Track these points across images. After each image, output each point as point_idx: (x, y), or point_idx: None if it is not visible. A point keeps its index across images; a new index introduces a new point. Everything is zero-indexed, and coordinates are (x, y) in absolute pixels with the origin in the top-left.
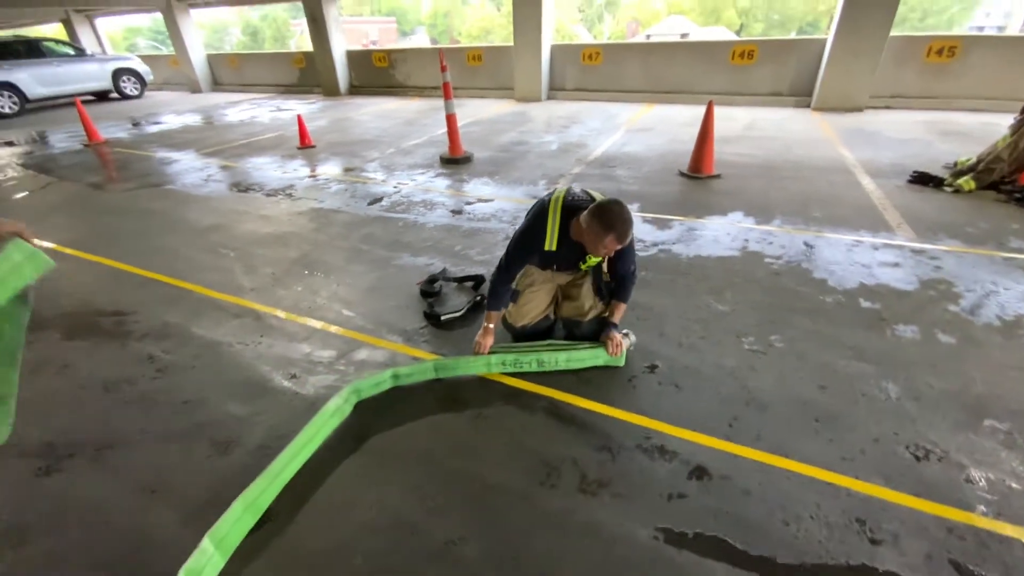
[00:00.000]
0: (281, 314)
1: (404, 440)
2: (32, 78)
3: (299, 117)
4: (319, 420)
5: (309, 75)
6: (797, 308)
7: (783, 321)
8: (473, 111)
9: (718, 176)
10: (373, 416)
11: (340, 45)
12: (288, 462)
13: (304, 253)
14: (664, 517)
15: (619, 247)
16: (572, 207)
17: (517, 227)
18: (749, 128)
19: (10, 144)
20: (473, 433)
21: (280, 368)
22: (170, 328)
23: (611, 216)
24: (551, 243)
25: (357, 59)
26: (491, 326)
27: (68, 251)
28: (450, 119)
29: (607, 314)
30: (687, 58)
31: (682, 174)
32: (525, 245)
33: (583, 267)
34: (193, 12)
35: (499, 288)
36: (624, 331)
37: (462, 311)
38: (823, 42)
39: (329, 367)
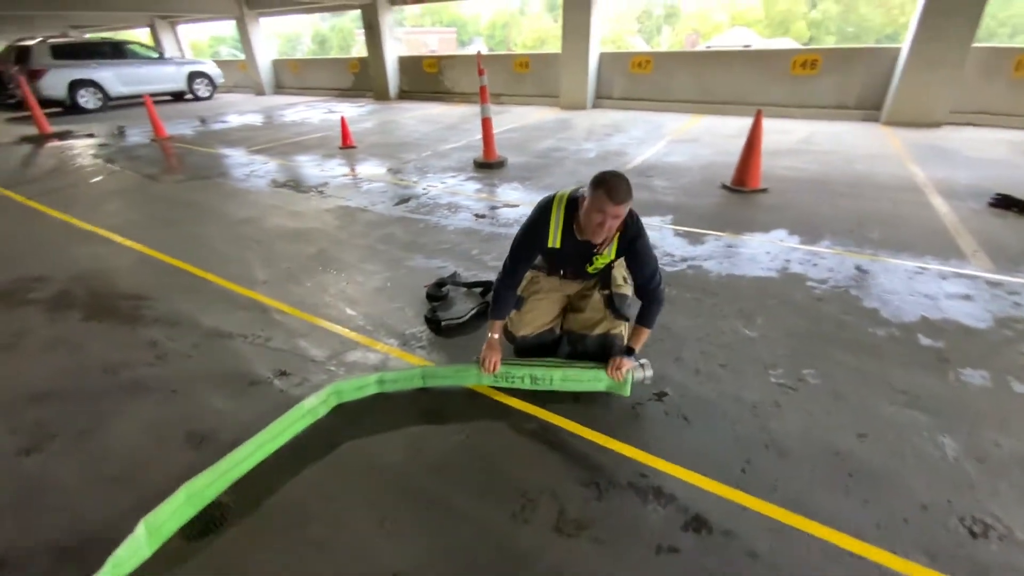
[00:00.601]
0: (286, 309)
1: (378, 451)
2: (115, 77)
3: (342, 119)
4: (289, 418)
5: (363, 80)
6: (839, 340)
7: (821, 354)
8: (515, 118)
9: (764, 190)
10: (351, 422)
11: (393, 51)
12: (244, 458)
13: (322, 249)
14: (648, 574)
15: (616, 212)
16: (576, 202)
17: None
18: (805, 141)
19: (91, 136)
20: (451, 451)
21: (272, 364)
22: (180, 316)
23: (602, 176)
24: (555, 240)
25: (408, 65)
26: (495, 337)
27: (110, 235)
28: (486, 123)
29: (625, 337)
30: (743, 68)
31: (725, 187)
32: (527, 242)
33: (590, 269)
34: (263, 20)
35: (502, 293)
36: (640, 360)
37: (464, 318)
38: (896, 51)
39: (320, 366)
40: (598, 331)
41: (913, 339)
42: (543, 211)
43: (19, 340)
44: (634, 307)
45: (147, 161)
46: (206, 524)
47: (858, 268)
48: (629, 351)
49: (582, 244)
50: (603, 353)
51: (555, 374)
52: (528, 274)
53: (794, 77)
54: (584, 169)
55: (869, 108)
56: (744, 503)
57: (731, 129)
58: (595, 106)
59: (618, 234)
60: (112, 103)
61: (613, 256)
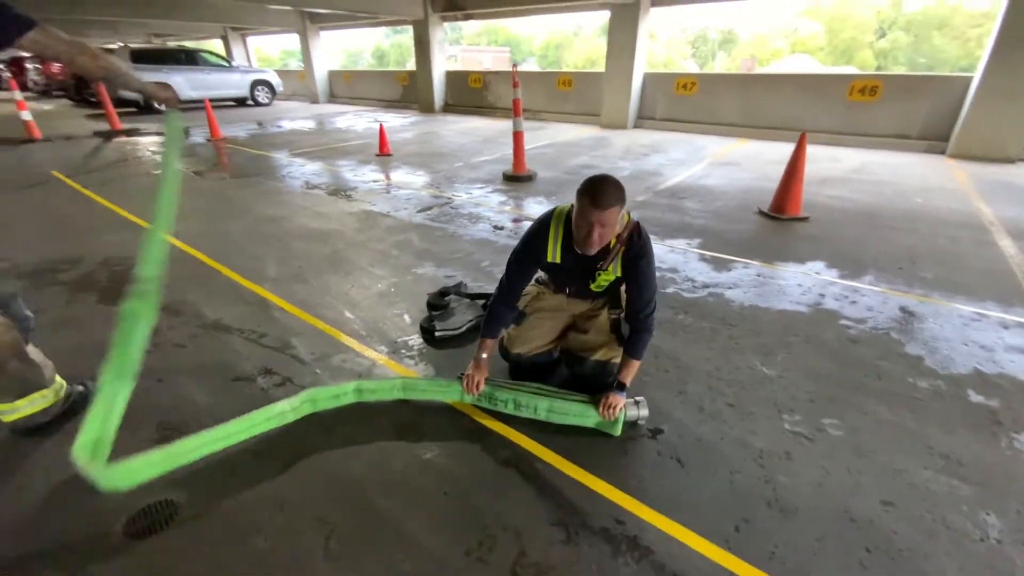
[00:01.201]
0: (287, 307)
1: (342, 463)
2: (186, 82)
3: (381, 127)
4: (255, 418)
5: (411, 92)
6: (872, 389)
7: (847, 402)
8: (552, 134)
9: (804, 219)
10: (325, 429)
11: (440, 66)
12: (194, 447)
13: (336, 251)
14: None
15: (602, 219)
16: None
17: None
18: (857, 171)
19: (160, 135)
20: (416, 471)
21: (260, 362)
22: (186, 305)
23: (588, 181)
24: (554, 254)
25: (454, 79)
26: (484, 356)
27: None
28: (517, 137)
29: (618, 369)
30: (794, 92)
31: (761, 213)
32: (524, 257)
33: (594, 287)
34: (323, 34)
35: (496, 309)
36: (636, 399)
37: (460, 329)
38: (967, 80)
39: (306, 368)
40: (597, 356)
41: (962, 394)
42: (542, 225)
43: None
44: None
45: (198, 158)
46: (153, 522)
47: (904, 310)
48: (620, 387)
49: (583, 259)
50: (599, 380)
51: (541, 403)
52: (534, 289)
53: (850, 103)
54: None
55: (934, 139)
56: (733, 568)
57: (776, 155)
58: (636, 126)
59: (622, 249)
60: (181, 106)
61: (618, 274)
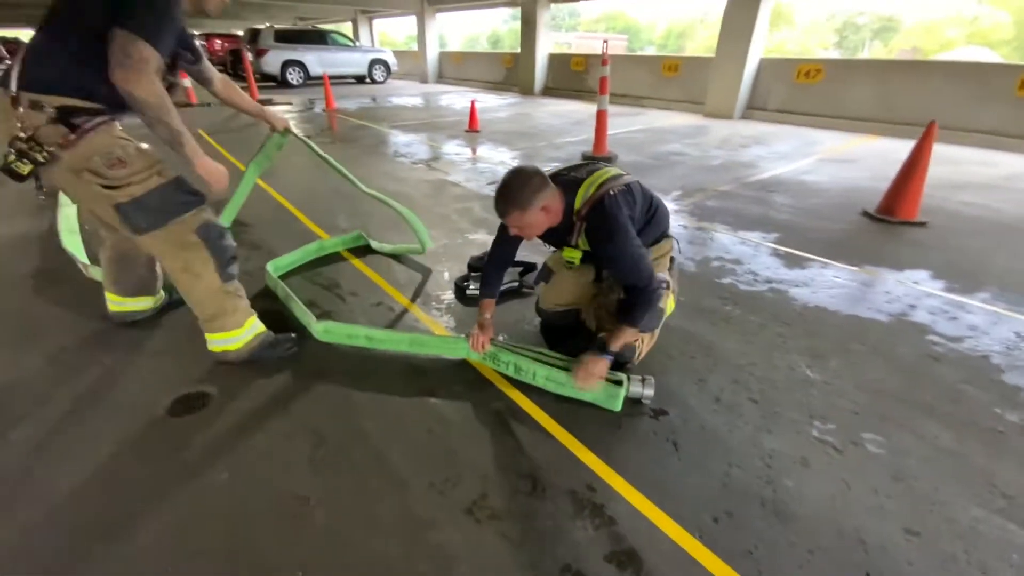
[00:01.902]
0: (343, 254)
1: (347, 389)
2: (316, 59)
3: (472, 103)
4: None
5: (514, 74)
6: (940, 413)
7: (902, 422)
8: (649, 120)
9: (921, 224)
10: (340, 356)
11: (545, 48)
12: (379, 339)
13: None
14: None
15: (511, 223)
16: (555, 181)
17: None
18: (1011, 178)
19: (289, 104)
20: (410, 408)
21: (307, 295)
22: (263, 242)
23: (499, 184)
24: None
25: (556, 62)
26: (486, 316)
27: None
28: (600, 116)
29: (639, 348)
30: (945, 82)
31: (866, 214)
32: (500, 228)
33: (565, 261)
34: (439, 16)
35: (486, 270)
36: (643, 377)
37: None
38: None
39: (344, 304)
40: (604, 334)
41: None
42: None
43: None
44: (654, 318)
45: (311, 123)
46: (189, 406)
47: (1019, 335)
48: (602, 347)
49: (555, 231)
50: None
51: (540, 371)
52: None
53: (1020, 100)
54: (698, 175)
55: None
56: (698, 558)
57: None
58: (744, 117)
59: (583, 226)
60: (311, 80)
61: (587, 248)
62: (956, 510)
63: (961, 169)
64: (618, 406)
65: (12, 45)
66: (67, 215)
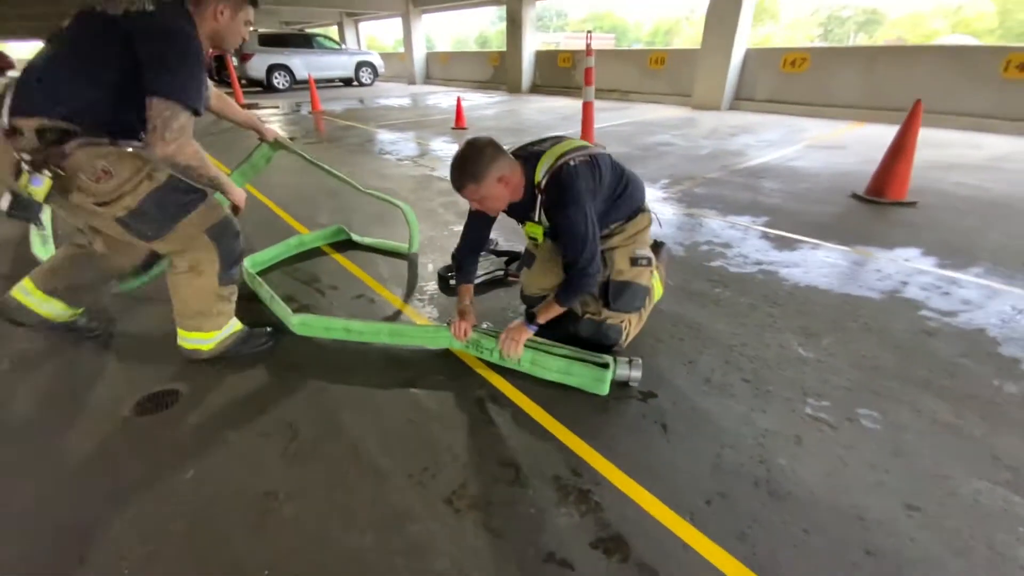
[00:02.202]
0: (324, 249)
1: (325, 382)
2: (302, 63)
3: (458, 101)
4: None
5: (501, 73)
6: (937, 387)
7: (898, 397)
8: (636, 114)
9: (911, 204)
10: (317, 348)
11: (531, 46)
12: (358, 332)
13: (387, 207)
14: None
15: (468, 197)
16: (517, 155)
17: None
18: (1000, 159)
19: (276, 107)
20: (390, 399)
21: (287, 290)
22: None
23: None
24: None
25: (543, 60)
26: (466, 303)
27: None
28: (586, 108)
29: (626, 330)
30: (932, 67)
31: (855, 196)
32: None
33: (527, 237)
34: (425, 17)
35: (458, 256)
36: (630, 358)
37: (476, 280)
38: None
39: (324, 298)
40: (589, 314)
41: None
42: None
43: None
44: (632, 298)
45: (297, 125)
46: (157, 404)
47: (1014, 308)
48: (530, 318)
49: (518, 206)
50: (598, 342)
51: (524, 355)
52: None
53: (1005, 82)
54: (686, 165)
55: None
56: (690, 541)
57: None
58: (732, 108)
59: (542, 199)
60: (297, 84)
61: (546, 224)
62: (958, 484)
63: (949, 152)
64: (605, 390)
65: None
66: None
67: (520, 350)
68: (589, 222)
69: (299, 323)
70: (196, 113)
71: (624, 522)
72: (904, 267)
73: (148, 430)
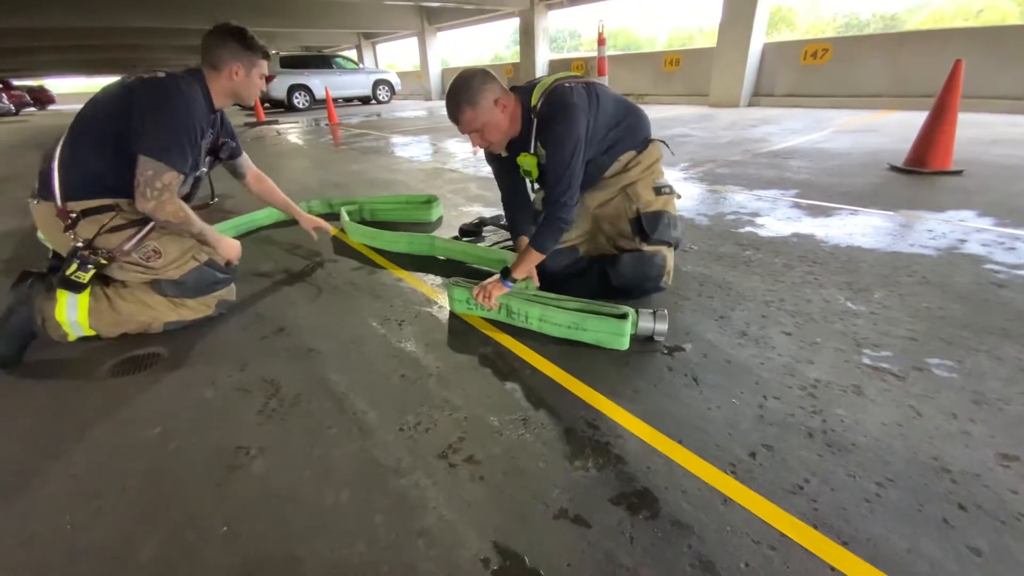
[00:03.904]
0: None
1: (313, 341)
2: (320, 83)
3: None
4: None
5: (515, 83)
6: (1017, 334)
7: (973, 345)
8: (653, 112)
9: (957, 172)
10: (301, 312)
11: (544, 55)
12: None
13: (394, 192)
14: (522, 539)
15: (464, 129)
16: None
17: None
18: None
19: (296, 123)
20: (383, 355)
21: (286, 264)
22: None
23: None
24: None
25: (557, 68)
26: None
27: None
28: None
29: (668, 261)
30: (962, 50)
31: (893, 168)
32: (488, 155)
33: (523, 173)
34: (440, 35)
35: (508, 212)
36: (654, 310)
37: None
38: None
39: (323, 270)
40: (631, 246)
41: None
42: None
43: None
44: (674, 230)
45: (314, 136)
46: (135, 366)
47: None
48: (504, 273)
49: (515, 143)
50: (640, 278)
51: (532, 311)
52: None
53: None
54: (705, 151)
55: None
56: (733, 495)
57: None
58: (751, 104)
59: (536, 123)
60: (316, 104)
61: (536, 160)
62: None
63: (990, 130)
64: (625, 344)
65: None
66: None
67: (493, 302)
68: (579, 149)
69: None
70: (182, 173)
71: (651, 476)
72: (960, 226)
73: (120, 390)
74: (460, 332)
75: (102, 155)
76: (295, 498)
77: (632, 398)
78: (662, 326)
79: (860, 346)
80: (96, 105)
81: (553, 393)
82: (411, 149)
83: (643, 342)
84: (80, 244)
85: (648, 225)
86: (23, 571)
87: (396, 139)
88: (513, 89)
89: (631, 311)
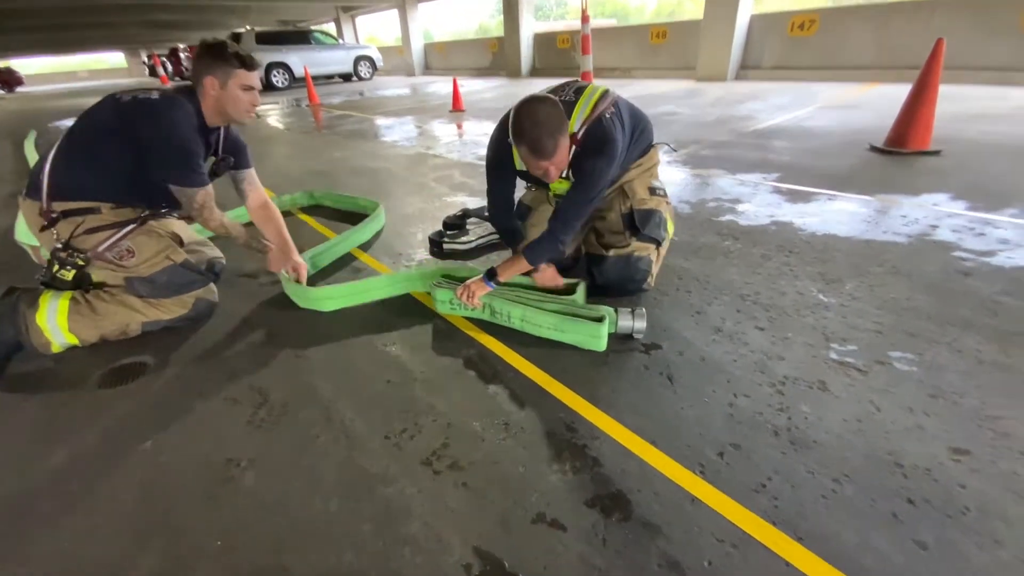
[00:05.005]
0: (313, 224)
1: (299, 348)
2: (299, 60)
3: (454, 82)
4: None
5: (500, 59)
6: (980, 325)
7: (934, 337)
8: (639, 88)
9: (934, 153)
10: (289, 317)
11: (529, 28)
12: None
13: (379, 182)
14: (503, 544)
15: (546, 164)
16: None
17: None
18: None
19: (276, 103)
20: (367, 361)
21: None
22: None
23: (519, 124)
24: (520, 163)
25: (542, 42)
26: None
27: None
28: (584, 79)
29: (654, 262)
30: (949, 20)
31: (873, 148)
32: (494, 165)
33: (551, 195)
34: (422, 7)
35: (499, 224)
36: (633, 309)
37: (469, 245)
38: None
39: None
40: (615, 253)
41: None
42: (502, 127)
43: None
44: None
45: (296, 119)
46: (122, 377)
47: None
48: (490, 274)
49: None
50: (626, 279)
51: (515, 311)
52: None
53: None
54: (690, 131)
55: None
56: (700, 495)
57: None
58: (739, 77)
59: (575, 151)
60: (296, 83)
61: (572, 179)
62: (1010, 424)
63: (972, 104)
64: (602, 346)
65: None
66: None
67: (476, 301)
68: (605, 186)
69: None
70: (205, 185)
71: (625, 478)
72: (932, 211)
73: (108, 402)
74: (444, 334)
75: (92, 167)
76: (285, 509)
77: (609, 399)
78: (641, 324)
79: (828, 340)
80: (91, 120)
81: (534, 395)
82: (395, 132)
83: (622, 340)
84: (59, 245)
85: (640, 221)
86: None
87: (379, 121)
88: None
89: (609, 312)
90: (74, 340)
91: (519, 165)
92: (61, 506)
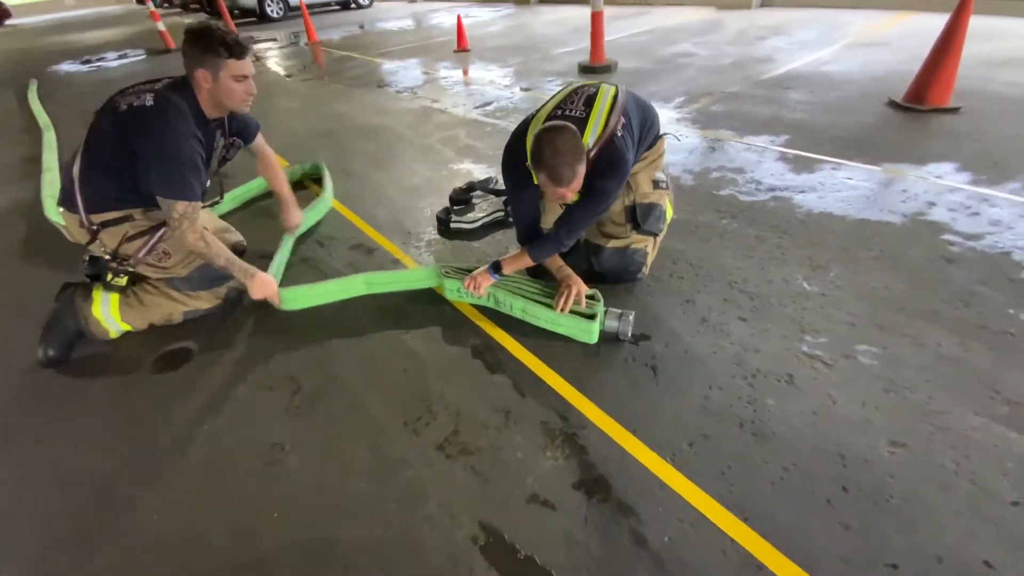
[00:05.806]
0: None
1: (322, 336)
2: None
3: (458, 19)
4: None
5: None
6: (948, 318)
7: (902, 330)
8: (654, 20)
9: (954, 110)
10: (316, 307)
11: None
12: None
13: (386, 146)
14: (503, 521)
15: (564, 190)
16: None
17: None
18: None
19: (274, 40)
20: (385, 349)
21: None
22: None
23: (539, 152)
24: (537, 180)
25: None
26: (566, 270)
27: None
28: (595, 19)
29: (650, 255)
30: None
31: (892, 103)
32: (514, 185)
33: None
34: None
35: (526, 235)
36: (621, 312)
37: (475, 224)
38: None
39: (323, 249)
40: (613, 244)
41: None
42: (516, 142)
43: None
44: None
45: (297, 60)
46: (172, 363)
47: None
48: (495, 267)
49: None
50: (620, 270)
51: (516, 303)
52: None
53: None
54: (705, 78)
55: None
56: (668, 480)
57: None
58: (764, 5)
59: (589, 166)
60: (292, 12)
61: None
62: (951, 419)
63: (1005, 44)
64: (593, 339)
65: None
66: (50, 180)
67: (482, 291)
68: (610, 203)
69: (289, 297)
70: (193, 200)
71: (607, 464)
72: (934, 185)
73: (164, 387)
74: (452, 321)
75: (112, 178)
76: (325, 489)
77: (598, 390)
78: (626, 328)
79: (803, 332)
80: (97, 137)
81: (532, 385)
82: (399, 79)
83: (611, 337)
84: (108, 257)
85: (641, 215)
86: (113, 557)
87: (382, 65)
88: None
89: (600, 311)
90: (127, 327)
91: (536, 181)
92: (140, 484)
